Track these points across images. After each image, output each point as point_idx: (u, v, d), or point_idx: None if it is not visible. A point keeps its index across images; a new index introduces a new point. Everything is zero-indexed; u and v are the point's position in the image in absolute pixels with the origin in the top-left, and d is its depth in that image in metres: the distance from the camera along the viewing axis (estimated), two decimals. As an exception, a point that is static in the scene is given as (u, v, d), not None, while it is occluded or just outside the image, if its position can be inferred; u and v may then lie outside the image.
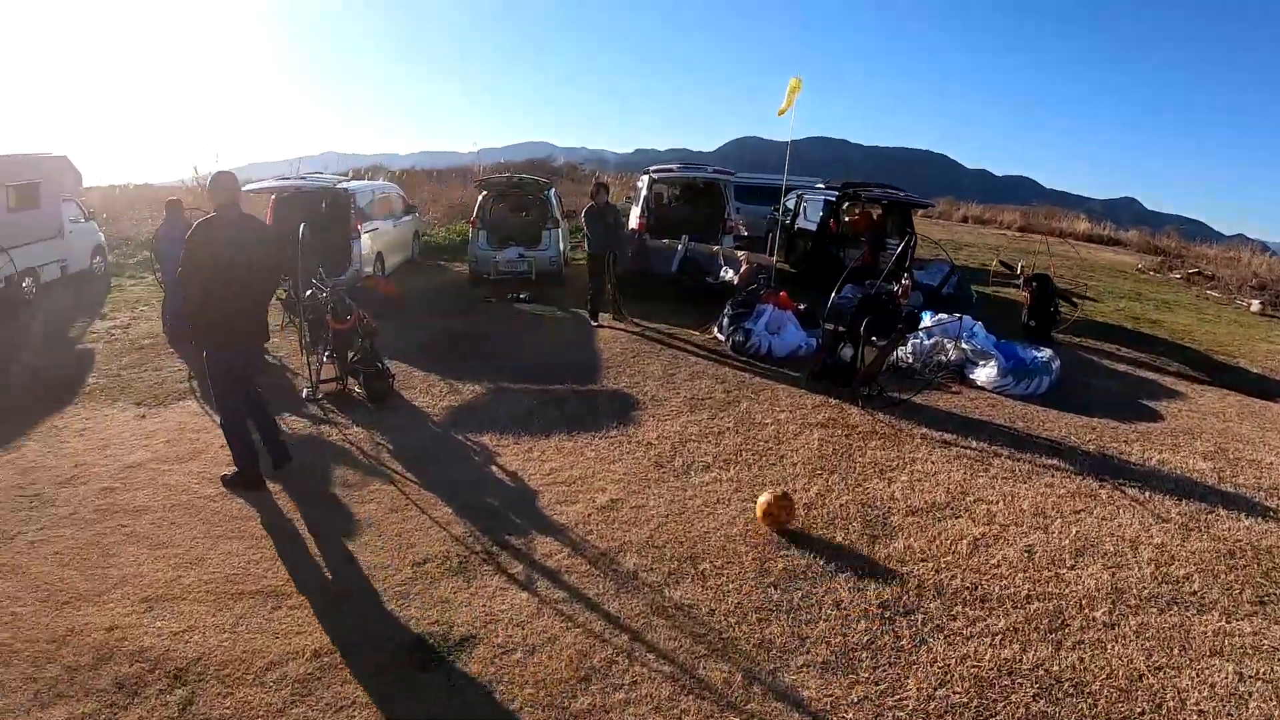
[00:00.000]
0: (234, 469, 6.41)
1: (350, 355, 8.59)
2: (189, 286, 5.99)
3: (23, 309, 12.70)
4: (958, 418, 8.42)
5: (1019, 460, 7.24)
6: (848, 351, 8.95)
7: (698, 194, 16.39)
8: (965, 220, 31.45)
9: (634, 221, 14.27)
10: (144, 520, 5.87)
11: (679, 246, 13.63)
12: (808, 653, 4.39)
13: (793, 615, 4.72)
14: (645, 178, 15.24)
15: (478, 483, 6.55)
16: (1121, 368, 11.06)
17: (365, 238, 13.78)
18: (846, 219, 15.87)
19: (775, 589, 5.00)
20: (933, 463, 7.09)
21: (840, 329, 8.99)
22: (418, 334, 11.23)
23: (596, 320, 12.06)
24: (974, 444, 7.62)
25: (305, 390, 8.53)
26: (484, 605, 4.80)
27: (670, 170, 15.52)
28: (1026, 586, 5.13)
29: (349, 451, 7.18)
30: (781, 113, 12.47)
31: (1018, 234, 28.11)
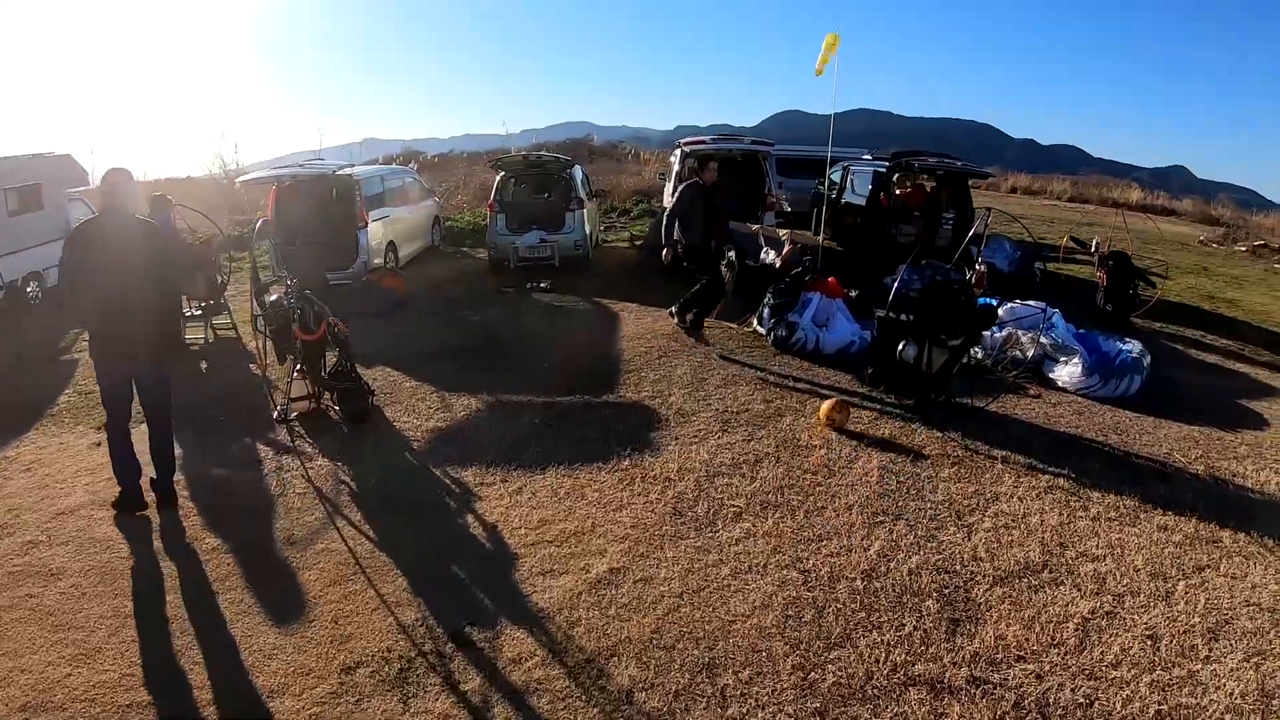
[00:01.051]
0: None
1: (324, 369, 7.41)
2: (67, 294, 5.55)
3: (25, 315, 11.96)
4: (1042, 432, 7.07)
5: (1122, 493, 5.83)
6: (910, 351, 7.45)
7: (735, 168, 15.03)
8: (1014, 191, 29.69)
9: (666, 200, 13.22)
10: (54, 590, 4.78)
11: None
12: None
13: (846, 772, 3.36)
14: (678, 152, 14.10)
15: (446, 542, 5.30)
16: (1211, 358, 9.76)
17: (374, 226, 12.80)
18: (898, 192, 14.40)
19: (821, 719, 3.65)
20: (1019, 499, 5.71)
21: (903, 317, 7.51)
22: (418, 333, 10.11)
23: (685, 323, 9.69)
24: (1065, 470, 6.22)
25: (276, 411, 7.35)
26: (419, 747, 3.53)
27: (704, 143, 14.28)
28: (1155, 698, 3.74)
29: (305, 493, 5.97)
30: (819, 71, 11.15)
31: (1070, 204, 26.52)
